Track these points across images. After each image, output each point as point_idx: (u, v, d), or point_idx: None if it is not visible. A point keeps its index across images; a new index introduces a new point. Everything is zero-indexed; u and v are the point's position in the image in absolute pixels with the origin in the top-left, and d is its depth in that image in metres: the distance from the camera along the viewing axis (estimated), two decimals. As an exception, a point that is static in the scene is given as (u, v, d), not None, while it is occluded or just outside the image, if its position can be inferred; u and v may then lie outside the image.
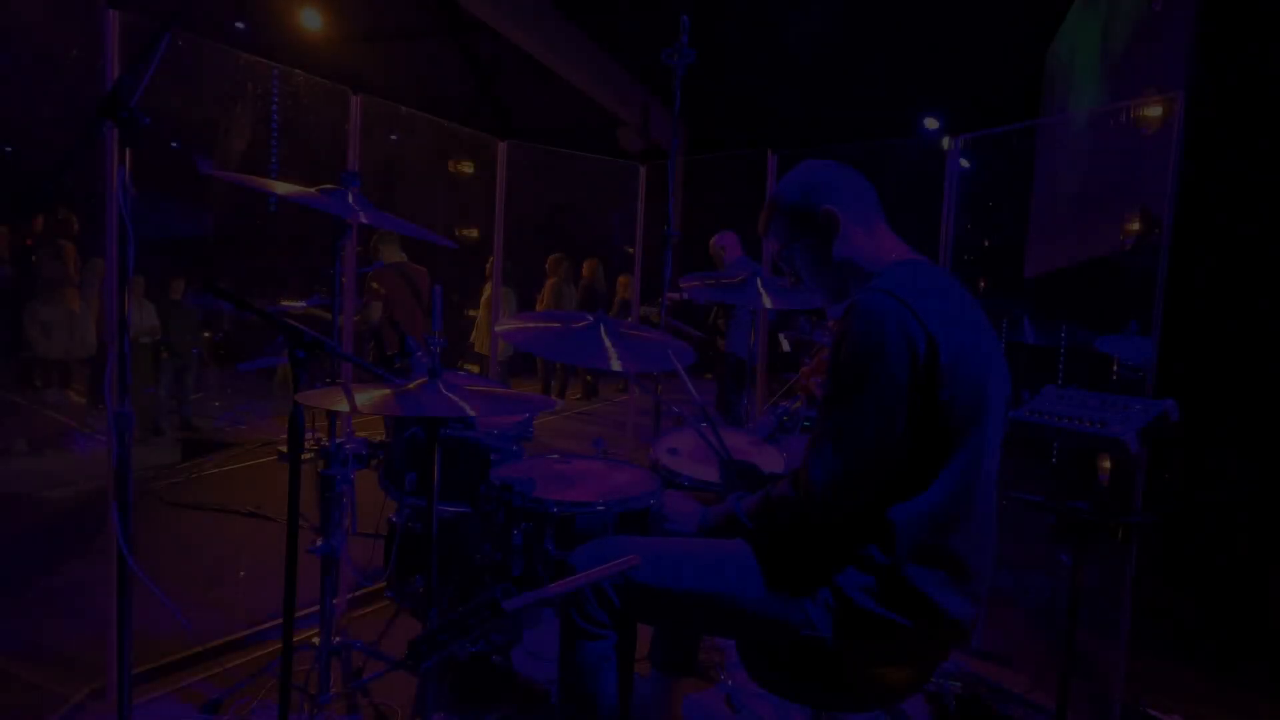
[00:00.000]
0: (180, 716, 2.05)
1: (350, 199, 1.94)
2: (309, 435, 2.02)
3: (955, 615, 1.29)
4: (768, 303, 2.44)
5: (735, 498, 1.48)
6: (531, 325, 1.97)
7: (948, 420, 1.25)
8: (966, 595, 1.31)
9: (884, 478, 1.27)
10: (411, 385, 1.49)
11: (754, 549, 1.40)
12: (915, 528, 1.26)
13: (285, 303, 4.54)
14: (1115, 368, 3.62)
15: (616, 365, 1.82)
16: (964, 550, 1.29)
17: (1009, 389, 1.40)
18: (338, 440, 2.03)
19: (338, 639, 2.12)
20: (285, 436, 1.36)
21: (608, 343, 1.87)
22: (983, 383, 1.29)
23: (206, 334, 7.64)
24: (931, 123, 9.05)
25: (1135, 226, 3.62)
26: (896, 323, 1.22)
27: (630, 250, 4.39)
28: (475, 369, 6.68)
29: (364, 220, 1.93)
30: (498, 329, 1.93)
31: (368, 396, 1.43)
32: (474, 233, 7.15)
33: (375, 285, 4.43)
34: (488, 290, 6.96)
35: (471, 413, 1.43)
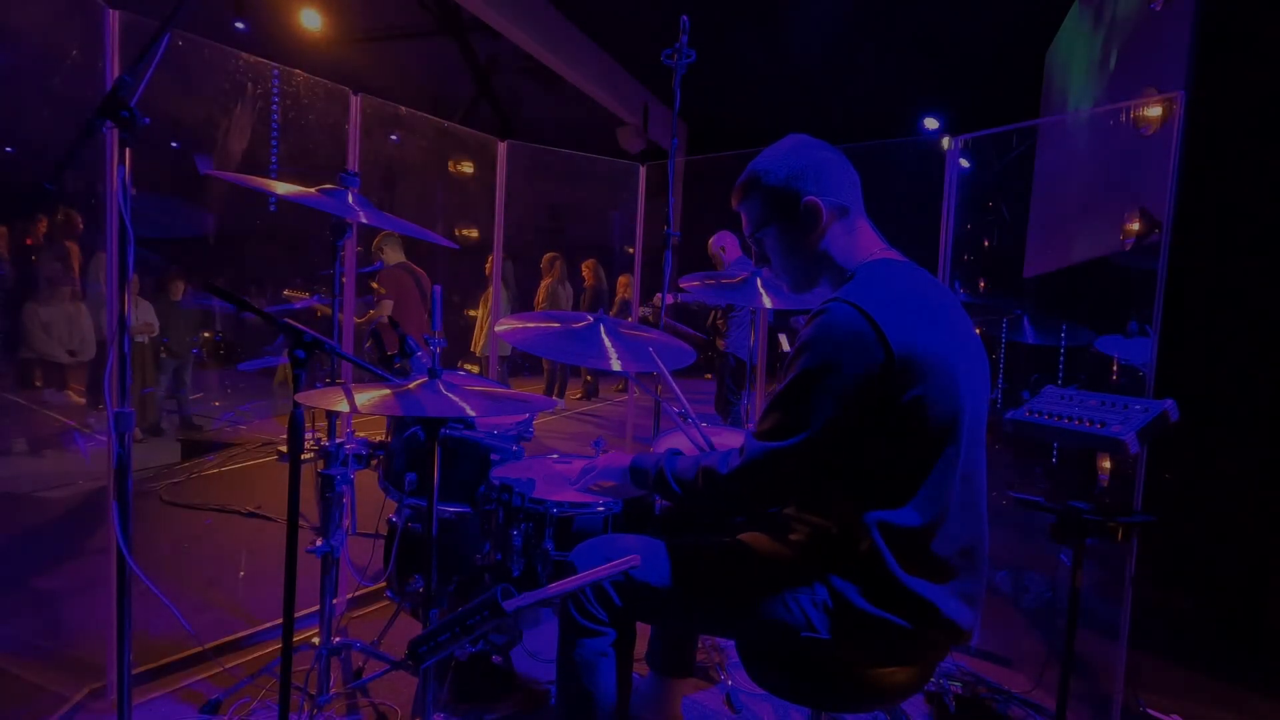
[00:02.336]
0: (180, 716, 2.05)
1: (350, 199, 1.95)
2: (309, 435, 2.02)
3: (952, 617, 1.29)
4: (768, 303, 2.44)
5: (670, 452, 1.47)
6: (531, 325, 1.97)
7: (922, 429, 1.25)
8: (961, 597, 1.31)
9: (799, 486, 1.31)
10: (411, 385, 1.50)
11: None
12: (904, 534, 1.26)
13: (288, 293, 4.56)
14: (1115, 368, 3.62)
15: (616, 365, 1.82)
16: (954, 554, 1.29)
17: (988, 386, 1.40)
18: (338, 440, 2.03)
19: (338, 639, 2.12)
20: (285, 436, 1.36)
21: (607, 342, 1.88)
22: (955, 387, 1.27)
23: (206, 334, 7.65)
24: (931, 123, 9.05)
25: (1135, 226, 3.62)
26: (851, 332, 1.22)
27: (630, 250, 4.39)
28: (475, 369, 6.69)
29: (364, 220, 1.93)
30: (498, 329, 1.93)
31: (368, 396, 1.43)
32: (474, 233, 7.15)
33: (376, 285, 4.45)
34: (488, 291, 6.97)
35: (471, 413, 1.43)
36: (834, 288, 1.42)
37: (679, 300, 4.39)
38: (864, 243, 1.42)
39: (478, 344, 6.83)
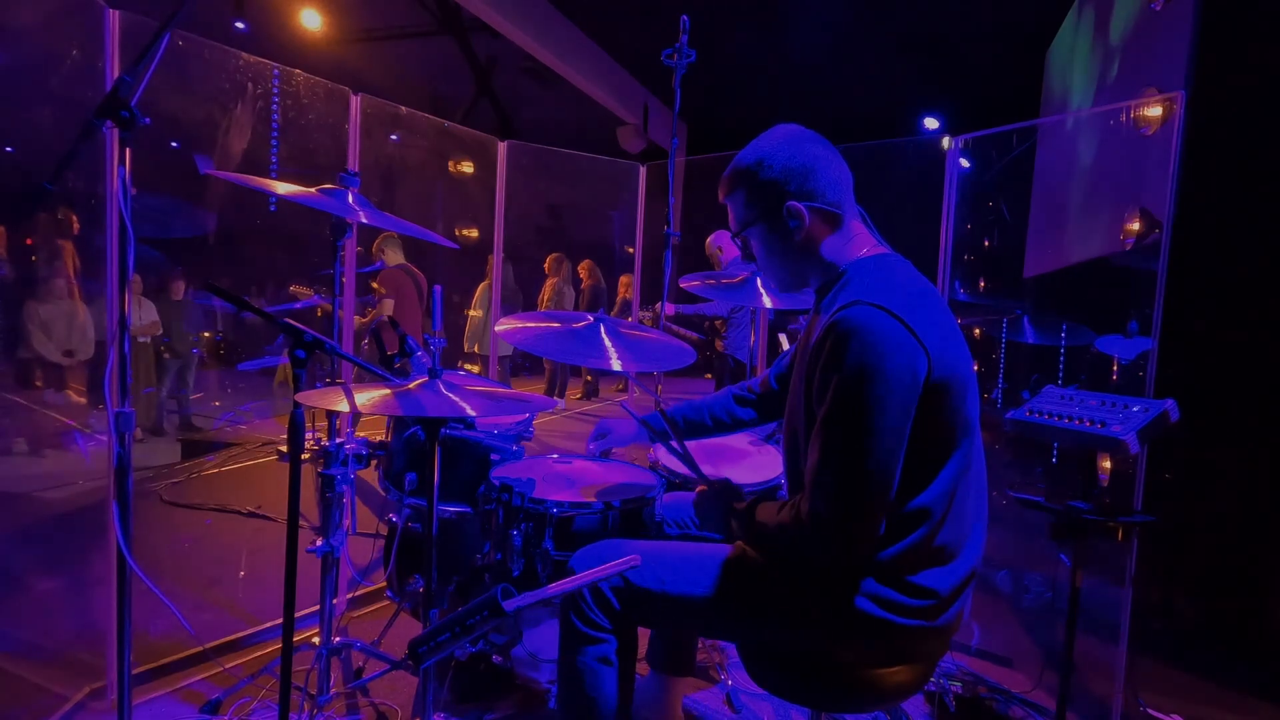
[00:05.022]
0: (180, 716, 2.05)
1: (350, 199, 1.95)
2: (309, 435, 2.02)
3: (951, 612, 1.30)
4: (768, 303, 2.44)
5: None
6: (531, 325, 1.97)
7: (942, 430, 1.24)
8: (960, 592, 1.31)
9: (880, 515, 1.22)
10: (411, 385, 1.50)
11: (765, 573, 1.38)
12: (910, 529, 1.26)
13: (294, 289, 4.58)
14: (1115, 368, 3.62)
15: (617, 365, 1.82)
16: (957, 544, 1.30)
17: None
18: (338, 440, 2.03)
19: (338, 639, 2.12)
20: (285, 436, 1.36)
21: (608, 342, 1.87)
22: (968, 386, 1.28)
23: (206, 334, 7.65)
24: (931, 123, 9.05)
25: (1135, 226, 3.62)
26: (896, 342, 1.17)
27: (630, 250, 4.39)
28: (475, 369, 6.70)
29: (364, 220, 1.93)
30: (497, 329, 1.93)
31: (368, 396, 1.43)
32: (474, 233, 7.16)
33: (377, 286, 4.46)
34: (480, 290, 6.98)
35: (471, 413, 1.43)
36: (823, 285, 1.40)
37: (672, 319, 4.37)
38: (855, 240, 1.39)
39: (466, 340, 6.84)
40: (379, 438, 2.12)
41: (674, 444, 1.61)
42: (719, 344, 4.59)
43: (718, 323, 4.57)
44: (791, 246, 1.38)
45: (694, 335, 4.64)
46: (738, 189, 1.41)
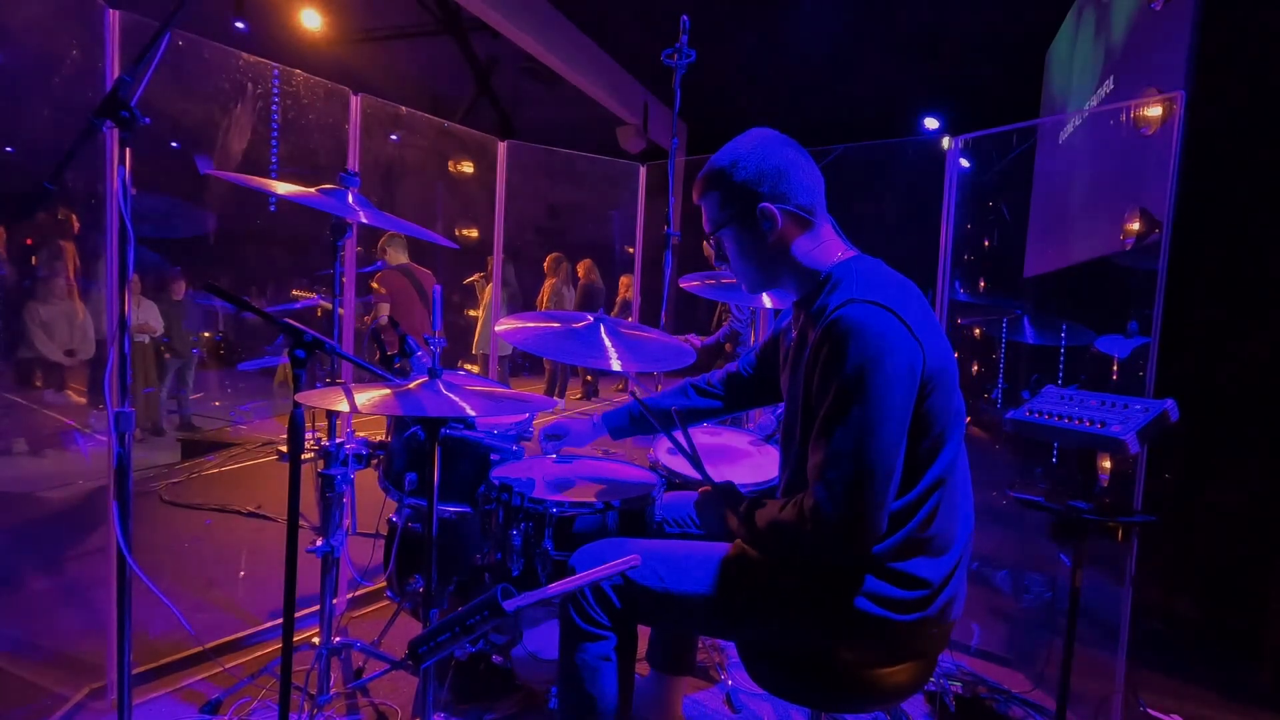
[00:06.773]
0: (180, 716, 2.05)
1: (350, 199, 1.95)
2: (309, 435, 2.02)
3: (943, 597, 1.31)
4: (768, 303, 2.43)
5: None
6: (531, 325, 1.97)
7: (934, 425, 1.25)
8: (950, 572, 1.32)
9: (883, 508, 1.21)
10: (411, 385, 1.50)
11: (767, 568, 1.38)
12: (904, 521, 1.27)
13: (296, 293, 4.59)
14: (1115, 368, 3.62)
15: (616, 365, 1.82)
16: (948, 532, 1.31)
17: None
18: (338, 440, 2.03)
19: (338, 639, 2.12)
20: (285, 436, 1.36)
21: (607, 342, 1.87)
22: (954, 378, 1.29)
23: (206, 334, 7.66)
24: (931, 123, 9.05)
25: (1135, 226, 3.62)
26: (894, 338, 1.19)
27: (630, 250, 4.39)
28: (475, 368, 6.70)
29: (364, 220, 1.93)
30: (497, 328, 1.93)
31: (368, 396, 1.43)
32: (474, 233, 7.16)
33: (376, 286, 4.46)
34: (487, 291, 7.00)
35: (471, 413, 1.43)
36: (801, 291, 1.42)
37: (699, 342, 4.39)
38: (827, 244, 1.40)
39: (476, 345, 6.86)
40: (379, 438, 2.13)
41: (683, 443, 1.61)
42: (727, 346, 4.60)
43: (722, 317, 4.58)
44: (764, 248, 1.40)
45: (697, 342, 4.65)
46: (711, 190, 1.42)
